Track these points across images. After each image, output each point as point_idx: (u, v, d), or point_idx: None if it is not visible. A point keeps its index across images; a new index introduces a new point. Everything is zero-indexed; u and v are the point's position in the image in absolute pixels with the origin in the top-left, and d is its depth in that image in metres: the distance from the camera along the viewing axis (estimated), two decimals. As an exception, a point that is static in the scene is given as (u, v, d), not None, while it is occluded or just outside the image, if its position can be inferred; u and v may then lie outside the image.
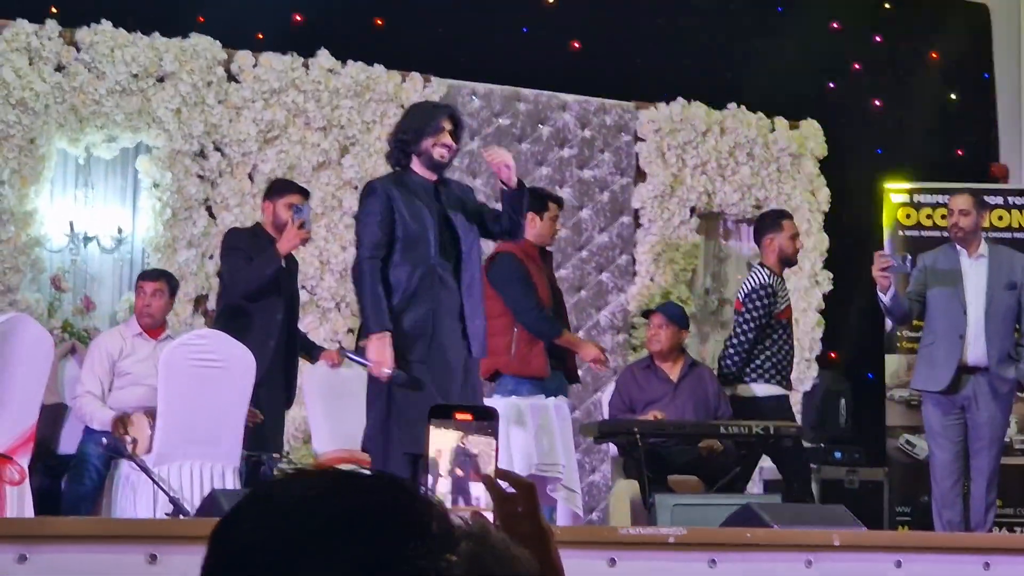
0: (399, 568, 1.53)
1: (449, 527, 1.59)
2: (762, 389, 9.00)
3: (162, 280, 8.54)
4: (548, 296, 9.10)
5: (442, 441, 2.17)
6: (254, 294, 8.21)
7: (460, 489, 2.23)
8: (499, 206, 7.14)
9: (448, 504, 1.93)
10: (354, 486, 1.60)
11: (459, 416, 2.18)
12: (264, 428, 8.15)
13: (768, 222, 9.35)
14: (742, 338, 8.94)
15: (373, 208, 6.91)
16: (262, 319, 8.23)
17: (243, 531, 1.59)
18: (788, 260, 9.30)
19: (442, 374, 6.81)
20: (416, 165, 7.06)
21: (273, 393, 8.27)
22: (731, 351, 9.03)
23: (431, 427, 2.17)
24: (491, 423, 2.17)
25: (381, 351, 6.67)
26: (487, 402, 7.72)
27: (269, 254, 8.20)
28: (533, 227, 9.20)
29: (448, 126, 7.07)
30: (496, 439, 2.15)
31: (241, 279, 8.22)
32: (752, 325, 8.91)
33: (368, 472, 1.64)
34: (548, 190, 9.80)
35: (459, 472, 2.20)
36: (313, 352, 8.98)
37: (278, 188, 8.66)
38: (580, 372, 9.28)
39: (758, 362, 8.98)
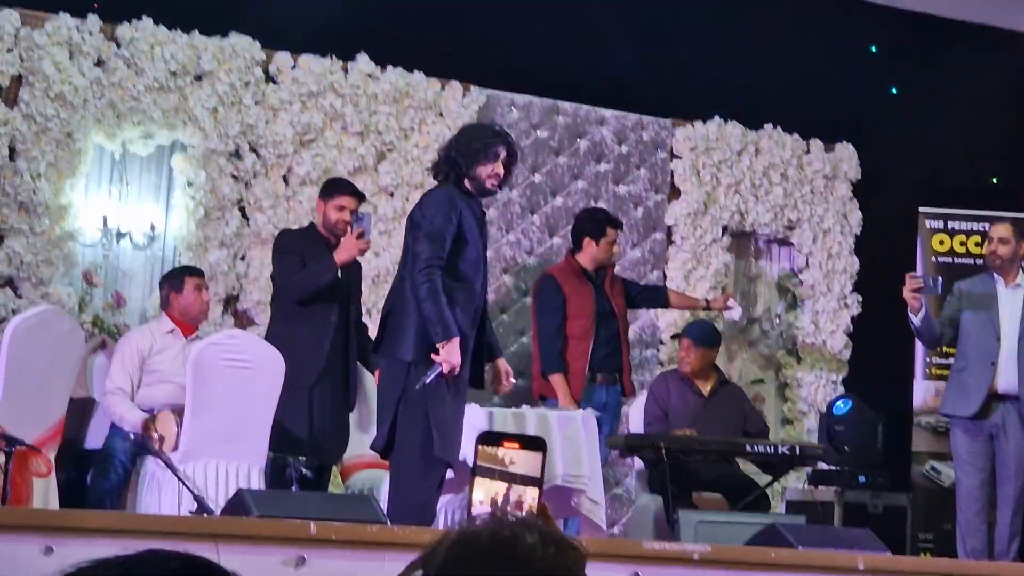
0: None
1: None
2: None
3: (203, 276, 8.58)
4: (590, 318, 9.09)
5: (493, 489, 2.14)
6: (307, 300, 8.19)
7: None
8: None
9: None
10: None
11: (507, 444, 2.15)
12: (319, 431, 8.15)
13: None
14: None
15: (442, 212, 6.83)
16: (316, 322, 8.19)
17: None
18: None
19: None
20: (465, 185, 6.96)
21: (328, 396, 8.23)
22: None
23: (476, 477, 2.14)
24: (539, 452, 2.14)
25: (454, 353, 6.63)
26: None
27: (325, 263, 8.15)
28: (590, 250, 9.22)
29: (503, 155, 6.95)
30: (543, 472, 2.13)
31: (294, 284, 8.19)
32: None
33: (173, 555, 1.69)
34: (610, 214, 9.81)
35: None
36: (373, 362, 8.67)
37: (330, 188, 8.60)
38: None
39: None
